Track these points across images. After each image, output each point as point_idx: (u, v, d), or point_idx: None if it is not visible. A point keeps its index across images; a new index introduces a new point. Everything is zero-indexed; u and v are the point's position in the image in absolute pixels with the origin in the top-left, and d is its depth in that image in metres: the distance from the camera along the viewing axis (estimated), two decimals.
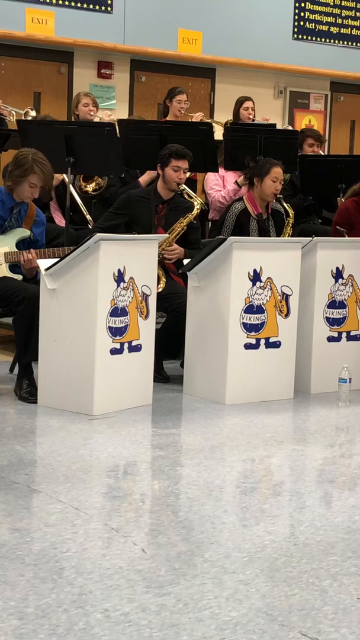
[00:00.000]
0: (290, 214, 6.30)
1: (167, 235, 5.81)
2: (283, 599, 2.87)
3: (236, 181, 7.13)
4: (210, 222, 7.40)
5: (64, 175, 6.50)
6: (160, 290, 5.71)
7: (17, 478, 3.90)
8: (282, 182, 6.25)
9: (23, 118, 7.37)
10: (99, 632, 2.60)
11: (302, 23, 11.40)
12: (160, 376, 5.76)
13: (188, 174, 6.10)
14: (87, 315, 4.97)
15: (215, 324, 5.42)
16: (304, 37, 11.45)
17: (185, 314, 5.57)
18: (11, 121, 7.61)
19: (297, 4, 11.25)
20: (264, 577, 3.03)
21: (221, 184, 7.28)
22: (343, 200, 6.74)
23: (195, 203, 6.01)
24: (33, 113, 7.64)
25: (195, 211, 5.98)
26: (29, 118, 7.48)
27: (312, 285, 5.76)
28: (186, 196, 6.06)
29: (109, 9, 9.91)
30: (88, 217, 6.60)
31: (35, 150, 5.39)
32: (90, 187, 6.87)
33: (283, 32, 11.26)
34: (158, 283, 5.71)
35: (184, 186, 5.99)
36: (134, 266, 5.16)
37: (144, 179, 6.94)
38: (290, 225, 6.34)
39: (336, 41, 11.70)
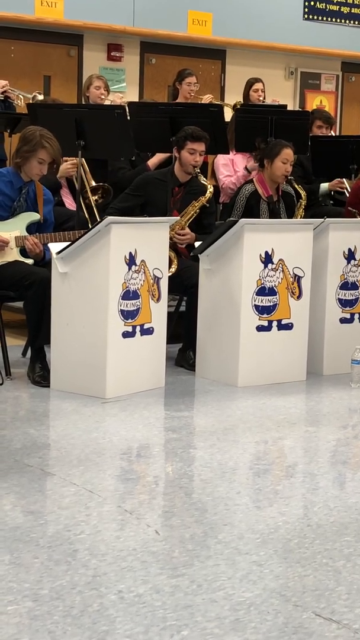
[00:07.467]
0: (302, 196, 6.27)
1: (178, 218, 5.78)
2: (297, 580, 2.87)
3: (246, 167, 7.08)
4: (221, 205, 7.37)
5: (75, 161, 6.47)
6: (172, 272, 5.69)
7: (31, 461, 3.91)
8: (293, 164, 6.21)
9: (31, 102, 7.34)
10: (113, 613, 2.61)
11: (312, 3, 11.34)
12: (189, 366, 5.68)
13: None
14: (98, 298, 4.97)
15: (227, 306, 5.41)
16: (315, 17, 11.38)
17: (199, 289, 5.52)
18: (19, 105, 7.60)
19: None
20: (278, 558, 3.04)
21: (231, 169, 7.23)
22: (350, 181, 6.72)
23: (209, 187, 5.97)
24: (40, 97, 7.60)
25: (208, 194, 5.94)
26: (37, 102, 7.44)
27: (324, 267, 5.74)
28: (201, 179, 6.01)
29: None
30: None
31: (41, 127, 5.39)
32: (95, 198, 6.65)
33: (293, 12, 11.20)
34: (170, 265, 5.70)
35: (198, 170, 5.95)
36: (145, 249, 5.15)
37: (152, 161, 6.90)
38: (303, 207, 6.31)
39: (347, 21, 11.63)
